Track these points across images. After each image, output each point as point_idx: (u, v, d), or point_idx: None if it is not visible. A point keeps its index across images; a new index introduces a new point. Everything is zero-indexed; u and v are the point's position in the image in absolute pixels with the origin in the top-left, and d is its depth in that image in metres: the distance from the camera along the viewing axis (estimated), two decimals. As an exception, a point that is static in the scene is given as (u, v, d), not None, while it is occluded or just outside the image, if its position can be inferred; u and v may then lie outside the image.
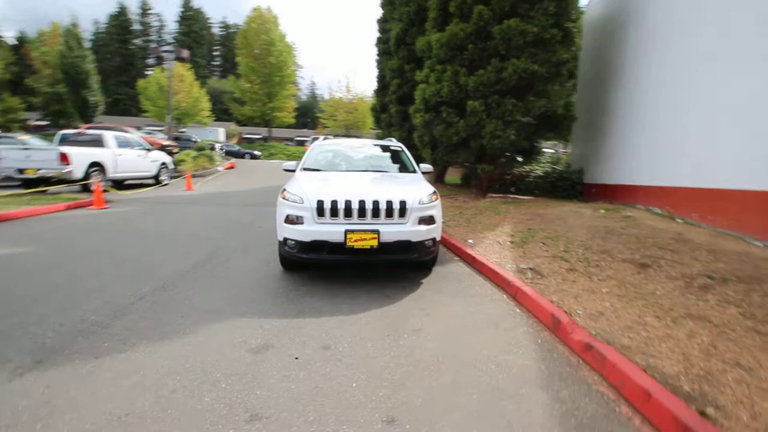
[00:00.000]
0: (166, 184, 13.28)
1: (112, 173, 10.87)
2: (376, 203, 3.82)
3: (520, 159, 10.84)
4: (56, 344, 2.73)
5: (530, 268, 4.65)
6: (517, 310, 3.51)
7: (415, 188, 4.22)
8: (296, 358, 2.59)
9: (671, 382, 2.19)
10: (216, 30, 73.30)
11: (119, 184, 11.84)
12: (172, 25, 73.41)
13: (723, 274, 3.76)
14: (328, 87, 74.53)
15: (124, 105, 52.80)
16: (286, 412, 2.04)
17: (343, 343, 2.83)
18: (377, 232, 3.75)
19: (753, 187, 4.78)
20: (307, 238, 3.80)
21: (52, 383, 2.28)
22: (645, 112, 7.79)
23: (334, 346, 2.77)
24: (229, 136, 43.86)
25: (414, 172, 5.17)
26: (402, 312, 3.43)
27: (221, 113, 47.79)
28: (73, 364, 2.48)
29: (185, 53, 19.11)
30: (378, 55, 17.10)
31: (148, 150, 12.67)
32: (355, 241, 3.73)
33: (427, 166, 5.37)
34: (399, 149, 5.68)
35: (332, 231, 3.76)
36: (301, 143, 47.09)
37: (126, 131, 14.71)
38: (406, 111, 13.40)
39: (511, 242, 5.79)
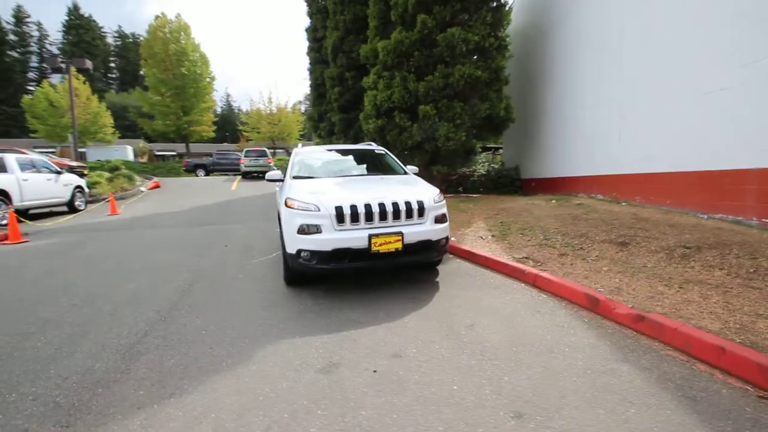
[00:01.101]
0: (81, 210, 11.61)
1: (18, 201, 9.19)
2: (395, 205, 3.76)
3: (470, 158, 11.46)
4: (74, 401, 2.23)
5: (526, 258, 4.91)
6: (544, 296, 3.68)
7: (422, 188, 4.23)
8: (374, 371, 2.43)
9: (723, 337, 2.47)
10: (110, 40, 66.17)
11: (23, 214, 10.05)
12: (56, 35, 64.75)
13: (694, 244, 4.34)
14: (248, 98, 71.29)
15: (3, 126, 44.99)
16: (409, 427, 1.90)
17: (409, 348, 2.72)
18: (401, 234, 3.68)
19: (691, 169, 5.60)
20: (328, 247, 3.59)
21: (107, 448, 1.86)
22: (580, 109, 8.70)
23: (403, 353, 2.65)
24: (138, 154, 39.74)
25: (405, 173, 5.17)
26: (442, 311, 3.40)
27: (125, 130, 43.12)
28: (117, 422, 2.04)
29: (88, 63, 16.87)
30: (311, 63, 16.90)
31: (59, 173, 10.98)
32: (380, 245, 3.62)
33: (413, 168, 5.42)
34: (383, 152, 5.64)
35: (355, 237, 3.60)
36: (223, 158, 44.32)
37: (25, 153, 12.57)
38: (351, 118, 13.43)
39: (493, 236, 6.06)
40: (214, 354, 2.75)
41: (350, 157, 5.45)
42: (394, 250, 3.67)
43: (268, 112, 39.38)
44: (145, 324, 3.36)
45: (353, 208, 3.65)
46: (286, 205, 3.94)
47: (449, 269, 4.76)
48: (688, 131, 5.68)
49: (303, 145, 5.78)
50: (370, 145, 6.05)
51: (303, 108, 51.00)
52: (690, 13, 5.72)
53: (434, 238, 3.91)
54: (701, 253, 4.12)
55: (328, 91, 14.70)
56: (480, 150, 14.17)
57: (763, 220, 4.51)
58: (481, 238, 6.08)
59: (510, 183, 12.51)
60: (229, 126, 55.40)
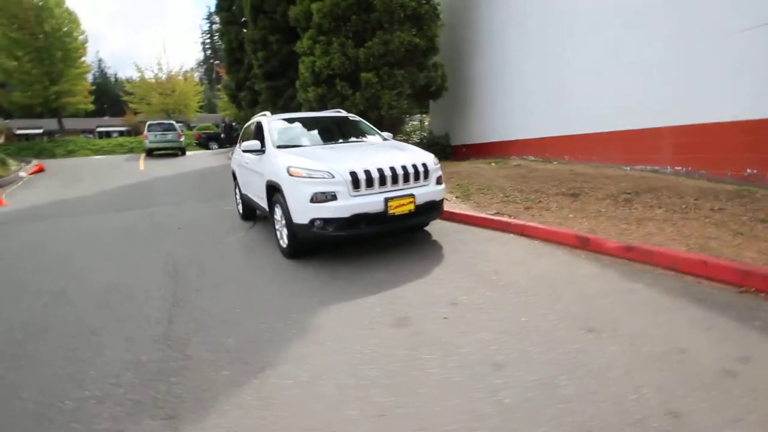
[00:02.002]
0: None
1: None
2: (405, 168, 3.87)
3: (403, 127, 11.77)
4: (153, 394, 2.05)
5: (497, 213, 5.43)
6: (536, 242, 4.18)
7: (419, 152, 4.38)
8: (445, 318, 2.63)
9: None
10: None
11: None
12: None
13: (632, 190, 5.24)
14: (130, 64, 61.11)
15: None
16: (514, 353, 2.16)
17: (459, 296, 2.95)
18: (413, 195, 3.84)
19: (613, 129, 6.61)
20: (346, 214, 3.60)
21: None
22: (511, 79, 9.48)
23: (457, 301, 2.88)
24: (-10, 134, 32.37)
25: (385, 139, 5.25)
26: (461, 264, 3.69)
27: (-36, 103, 34.51)
28: (226, 400, 1.95)
29: None
30: (222, 24, 15.35)
31: None
32: (396, 207, 3.74)
33: (388, 134, 5.52)
34: (357, 119, 5.62)
35: (371, 202, 3.66)
36: (108, 134, 38.40)
37: None
38: (278, 86, 12.72)
39: (457, 197, 6.51)
40: (270, 328, 2.68)
41: (328, 125, 5.33)
42: (407, 212, 3.83)
43: (158, 80, 34.89)
44: (160, 312, 3.06)
45: (367, 173, 3.68)
46: (290, 174, 3.79)
47: (436, 229, 5.06)
48: (610, 95, 6.65)
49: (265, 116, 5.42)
50: (339, 112, 5.95)
51: (197, 77, 46.07)
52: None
53: (437, 199, 4.15)
54: (639, 197, 5.02)
55: (248, 56, 13.59)
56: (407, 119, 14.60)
57: (675, 168, 5.63)
58: (447, 199, 6.48)
59: (441, 150, 13.17)
60: (105, 97, 47.72)
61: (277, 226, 4.40)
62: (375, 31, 9.70)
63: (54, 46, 25.76)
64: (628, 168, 6.35)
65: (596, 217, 4.62)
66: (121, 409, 1.96)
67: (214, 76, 38.66)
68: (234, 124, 23.06)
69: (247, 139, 6.03)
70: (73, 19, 26.53)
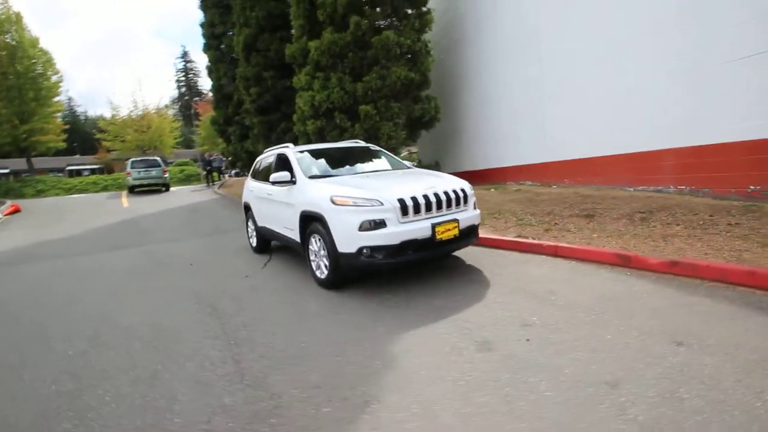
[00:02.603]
0: None
1: None
2: (447, 194, 3.94)
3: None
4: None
5: (519, 236, 5.54)
6: (572, 262, 4.28)
7: (452, 178, 4.48)
8: (527, 340, 2.62)
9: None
10: None
11: None
12: None
13: (645, 209, 5.49)
14: (108, 102, 60.02)
15: None
16: (617, 368, 2.17)
17: (528, 318, 2.96)
18: (457, 220, 3.89)
19: (614, 153, 6.98)
20: (396, 241, 3.59)
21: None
22: (504, 108, 9.94)
23: (529, 322, 2.88)
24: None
25: (409, 167, 5.34)
26: (511, 286, 3.70)
27: None
28: (364, 410, 1.85)
29: None
30: (211, 62, 15.44)
31: None
32: (442, 233, 3.77)
33: (409, 162, 5.63)
34: (377, 149, 5.71)
35: (420, 228, 3.68)
36: (78, 173, 37.06)
37: None
38: (272, 121, 12.81)
39: (471, 222, 6.61)
40: (350, 361, 2.58)
41: (353, 155, 5.38)
42: (453, 236, 3.86)
43: (134, 116, 34.40)
44: (219, 351, 2.91)
45: (414, 199, 3.72)
46: (335, 203, 3.78)
47: (466, 254, 5.09)
48: (608, 121, 7.06)
49: (289, 148, 5.43)
50: (357, 142, 6.03)
51: (172, 113, 45.71)
52: (596, 30, 7.13)
53: (476, 223, 4.23)
54: (654, 215, 5.26)
55: (239, 92, 13.69)
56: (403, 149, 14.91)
57: (679, 187, 5.96)
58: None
59: (434, 178, 13.49)
60: (76, 135, 46.41)
61: (312, 257, 4.32)
62: (371, 66, 10.05)
63: (26, 86, 25.14)
64: (632, 189, 6.66)
65: (620, 236, 4.78)
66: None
67: (192, 112, 38.45)
68: (214, 158, 22.74)
69: (260, 172, 6.02)
70: (47, 59, 26.10)
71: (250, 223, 6.47)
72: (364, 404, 2.09)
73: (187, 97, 57.69)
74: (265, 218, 5.63)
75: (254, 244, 6.35)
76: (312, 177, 4.56)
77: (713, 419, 1.72)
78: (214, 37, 15.14)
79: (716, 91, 5.34)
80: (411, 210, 3.69)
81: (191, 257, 6.33)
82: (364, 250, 3.63)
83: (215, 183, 19.89)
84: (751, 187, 5.03)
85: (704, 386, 1.95)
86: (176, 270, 5.62)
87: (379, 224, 3.62)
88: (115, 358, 2.95)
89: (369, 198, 3.68)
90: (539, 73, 8.60)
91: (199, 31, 16.11)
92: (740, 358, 2.16)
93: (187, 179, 30.89)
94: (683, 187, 5.90)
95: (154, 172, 16.78)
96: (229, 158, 15.58)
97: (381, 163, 5.30)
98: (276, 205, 5.10)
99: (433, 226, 3.71)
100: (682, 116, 5.75)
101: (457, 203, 4.02)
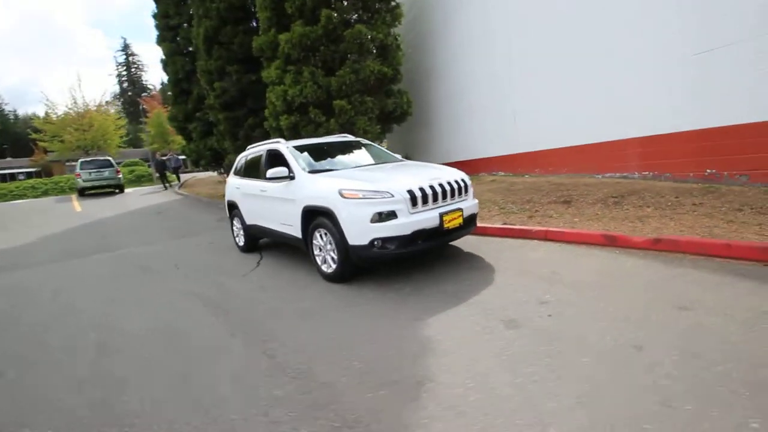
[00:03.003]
0: None
1: None
2: (450, 184, 4.09)
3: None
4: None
5: (504, 224, 5.83)
6: (563, 245, 4.58)
7: (451, 169, 4.62)
8: (549, 315, 2.83)
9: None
10: None
11: None
12: None
13: (616, 194, 5.95)
14: (43, 99, 54.71)
15: None
16: (640, 333, 2.42)
17: (543, 296, 3.17)
18: (461, 209, 4.06)
19: (582, 143, 7.47)
20: (408, 231, 3.70)
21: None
22: (473, 102, 10.28)
23: (544, 300, 3.10)
24: None
25: (402, 160, 5.44)
26: (515, 269, 3.93)
27: None
28: (420, 430, 1.93)
29: None
30: (166, 55, 14.60)
31: None
32: (449, 222, 3.92)
33: (398, 155, 5.73)
34: (368, 143, 5.76)
35: (428, 218, 3.81)
36: (12, 177, 33.76)
37: None
38: (238, 117, 12.40)
39: (456, 212, 6.85)
40: (389, 346, 2.66)
41: (346, 150, 5.39)
42: (457, 225, 4.03)
43: (73, 114, 31.84)
44: (247, 348, 2.89)
45: (422, 190, 3.83)
46: (343, 196, 3.81)
47: (461, 242, 5.26)
48: (576, 114, 7.54)
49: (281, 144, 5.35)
50: (346, 136, 6.05)
51: (114, 110, 42.65)
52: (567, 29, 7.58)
53: (475, 212, 4.42)
54: (626, 199, 5.72)
55: (200, 87, 13.10)
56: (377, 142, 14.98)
57: (643, 173, 6.51)
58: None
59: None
60: (5, 136, 42.25)
61: (316, 252, 4.33)
62: (343, 60, 10.02)
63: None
64: (600, 176, 7.18)
65: (599, 219, 5.18)
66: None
67: (141, 108, 36.09)
68: (169, 157, 21.50)
69: (246, 169, 5.88)
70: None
71: (236, 222, 6.31)
72: (419, 384, 2.19)
73: (130, 93, 54.12)
74: (257, 216, 5.52)
75: (241, 243, 6.21)
76: (312, 172, 4.55)
77: (732, 369, 1.98)
78: (168, 29, 14.32)
79: (671, 85, 5.88)
80: (420, 201, 3.81)
81: (173, 260, 6.09)
82: (376, 242, 3.70)
83: (172, 184, 18.92)
84: (708, 170, 5.61)
85: (717, 342, 2.24)
86: (164, 274, 5.39)
87: (390, 215, 3.70)
88: (134, 364, 2.84)
89: (379, 190, 3.75)
90: (507, 67, 8.98)
91: (142, 21, 15.23)
92: (739, 317, 2.48)
93: (137, 180, 29.17)
94: (647, 172, 6.45)
95: (106, 172, 15.71)
96: (191, 156, 14.87)
97: (374, 156, 5.35)
98: (271, 202, 5.02)
99: (441, 215, 3.85)
100: (643, 108, 6.28)
101: (459, 193, 4.19)
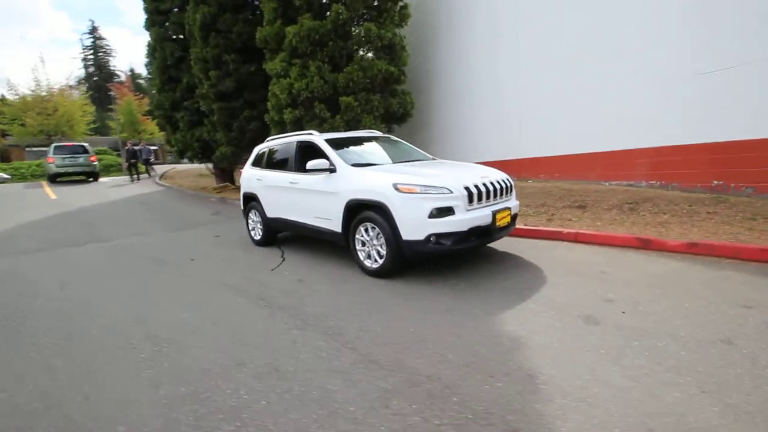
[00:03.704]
0: None
1: None
2: (499, 183, 4.14)
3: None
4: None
5: (526, 225, 5.96)
6: (595, 247, 4.74)
7: (492, 169, 4.68)
8: (623, 312, 2.91)
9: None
10: None
11: None
12: None
13: (631, 201, 6.21)
14: (3, 81, 50.41)
15: None
16: (709, 327, 2.53)
17: (606, 294, 3.26)
18: (509, 208, 4.12)
19: (588, 151, 7.76)
20: (465, 228, 3.72)
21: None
22: (476, 105, 10.47)
23: (610, 298, 3.19)
24: None
25: (433, 158, 5.45)
26: (563, 268, 4.01)
27: None
28: (558, 421, 1.93)
29: None
30: (154, 40, 13.92)
31: None
32: (500, 219, 3.97)
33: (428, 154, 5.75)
34: (399, 140, 5.74)
35: (483, 215, 3.84)
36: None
37: None
38: (234, 108, 12.02)
39: (471, 213, 6.94)
40: (475, 342, 2.65)
41: (380, 145, 5.33)
42: (506, 224, 4.08)
43: (30, 98, 29.79)
44: (325, 342, 2.79)
45: (477, 188, 3.86)
46: (399, 191, 3.77)
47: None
48: (585, 122, 7.82)
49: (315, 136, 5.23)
50: (373, 132, 6.01)
51: (77, 95, 40.19)
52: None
53: (517, 212, 4.49)
54: (640, 206, 5.99)
55: (194, 75, 12.57)
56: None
57: (650, 182, 6.84)
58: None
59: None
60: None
61: (359, 246, 4.26)
62: (350, 57, 9.95)
63: None
64: (607, 183, 7.48)
65: (621, 224, 5.39)
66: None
67: (110, 95, 34.16)
68: (140, 147, 20.35)
69: (271, 161, 5.70)
70: None
71: (252, 215, 6.09)
72: (531, 377, 2.19)
73: (96, 78, 51.31)
74: (283, 209, 5.36)
75: (257, 237, 6.01)
76: (355, 165, 4.47)
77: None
78: (158, 13, 13.66)
79: (682, 99, 6.23)
80: (476, 198, 3.83)
81: (182, 253, 5.82)
82: (432, 238, 3.69)
83: (140, 176, 17.90)
84: (715, 182, 5.97)
85: (800, 337, 2.38)
86: (181, 267, 5.12)
87: (448, 211, 3.70)
88: (201, 356, 2.67)
89: (438, 186, 3.74)
90: (514, 72, 9.20)
91: (111, 5, 14.40)
92: (803, 315, 2.65)
93: (105, 170, 27.61)
94: (654, 182, 6.78)
95: (81, 159, 14.79)
96: (176, 147, 14.22)
97: (409, 153, 5.33)
98: (304, 195, 4.89)
99: (494, 213, 3.89)
100: (653, 119, 6.61)
101: (506, 192, 4.25)
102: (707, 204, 5.56)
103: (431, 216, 3.67)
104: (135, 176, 17.65)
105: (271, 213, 5.61)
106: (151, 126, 36.45)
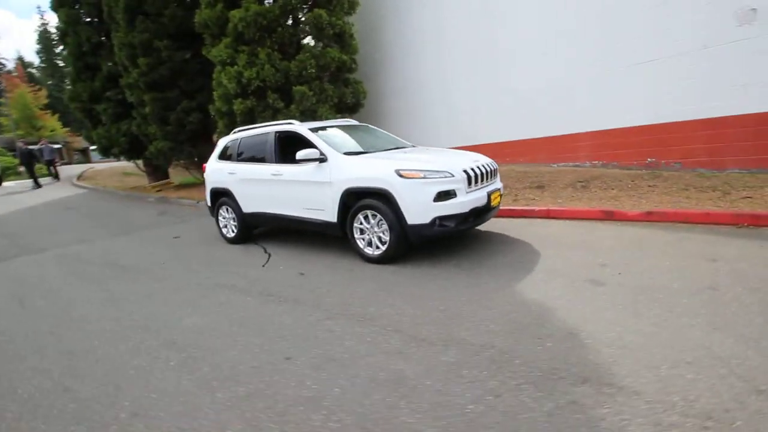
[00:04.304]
0: None
1: None
2: (488, 167, 4.39)
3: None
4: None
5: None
6: (565, 221, 5.22)
7: (477, 154, 4.91)
8: (619, 273, 3.30)
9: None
10: None
11: None
12: None
13: (582, 180, 6.89)
14: None
15: None
16: (704, 281, 3.00)
17: (597, 258, 3.66)
18: (499, 189, 4.41)
19: (536, 136, 8.43)
20: (466, 209, 3.91)
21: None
22: (428, 95, 10.78)
23: (604, 263, 3.58)
24: None
25: (414, 145, 5.57)
26: (548, 243, 4.38)
27: None
28: (630, 378, 2.18)
29: None
30: (63, 23, 12.18)
31: None
32: (494, 200, 4.23)
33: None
34: (376, 128, 5.76)
35: (480, 196, 4.07)
36: None
37: None
38: (169, 99, 11.08)
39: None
40: (519, 318, 2.85)
41: (362, 133, 5.31)
42: (497, 204, 4.36)
43: None
44: (357, 331, 2.81)
45: (474, 170, 4.06)
46: (402, 176, 3.85)
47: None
48: (531, 110, 8.46)
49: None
50: (349, 121, 5.96)
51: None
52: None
53: (503, 192, 4.79)
54: (591, 183, 6.68)
55: (119, 62, 11.28)
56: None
57: (593, 162, 7.64)
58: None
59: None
60: None
61: (357, 234, 4.28)
62: (300, 44, 9.67)
63: None
64: (555, 165, 8.20)
65: (579, 200, 5.99)
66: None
67: (3, 86, 29.28)
68: (41, 147, 17.84)
69: (243, 154, 5.42)
70: None
71: (224, 212, 5.76)
72: (572, 335, 2.43)
73: (-29, 66, 43.64)
74: (263, 203, 5.14)
75: (231, 235, 5.72)
76: (347, 153, 4.44)
77: (793, 295, 2.64)
78: (67, -9, 12.00)
79: (620, 88, 7.03)
80: (473, 180, 4.03)
81: (143, 257, 5.36)
82: (437, 220, 3.83)
83: (38, 180, 15.63)
84: (648, 159, 6.86)
85: (758, 279, 2.91)
86: (154, 271, 4.73)
87: (450, 194, 3.86)
88: (239, 356, 2.55)
89: (440, 170, 3.87)
90: (461, 61, 9.63)
91: None
92: (758, 261, 3.23)
93: (2, 173, 23.87)
94: (596, 161, 7.59)
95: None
96: (99, 143, 12.70)
97: (392, 141, 5.39)
98: (291, 186, 4.75)
99: (488, 194, 4.14)
100: (594, 106, 7.37)
101: (493, 175, 4.52)
102: (646, 179, 6.38)
103: (436, 199, 3.80)
104: (36, 181, 15.28)
105: (248, 208, 5.36)
106: (52, 122, 32.17)
